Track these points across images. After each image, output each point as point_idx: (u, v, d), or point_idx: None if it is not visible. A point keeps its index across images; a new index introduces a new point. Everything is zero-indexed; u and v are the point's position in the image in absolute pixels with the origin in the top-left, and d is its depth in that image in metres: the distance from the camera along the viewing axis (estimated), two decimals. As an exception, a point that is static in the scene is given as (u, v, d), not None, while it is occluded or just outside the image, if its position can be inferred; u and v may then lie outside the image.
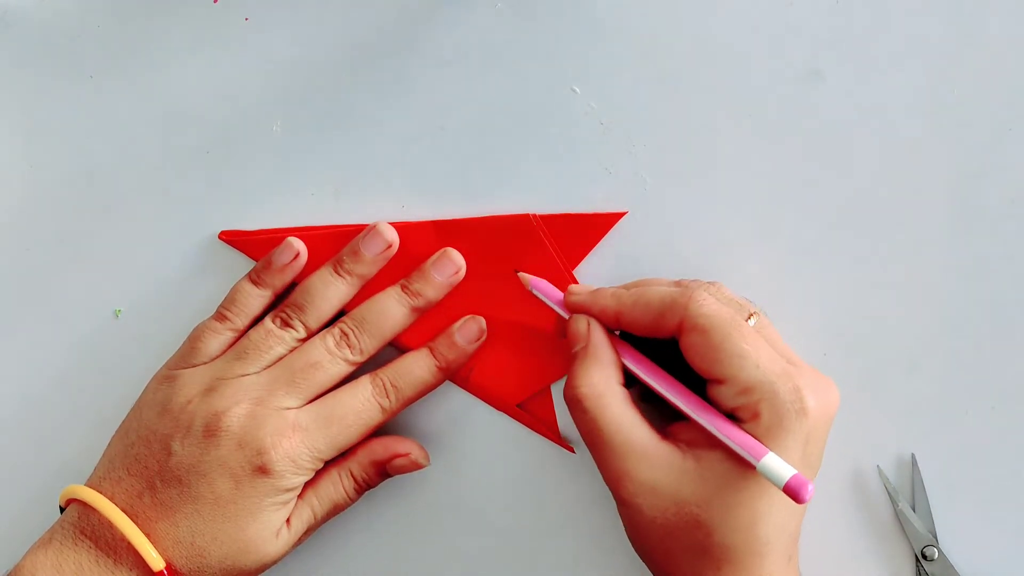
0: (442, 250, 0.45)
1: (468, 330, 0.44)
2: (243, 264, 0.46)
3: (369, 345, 0.43)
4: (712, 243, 0.45)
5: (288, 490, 0.41)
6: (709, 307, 0.37)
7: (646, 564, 0.40)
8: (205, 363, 0.43)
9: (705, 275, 0.45)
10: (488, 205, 0.46)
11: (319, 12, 0.47)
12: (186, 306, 0.46)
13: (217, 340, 0.43)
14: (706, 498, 0.36)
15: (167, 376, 0.43)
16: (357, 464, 0.43)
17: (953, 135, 0.45)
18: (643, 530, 0.38)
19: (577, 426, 0.39)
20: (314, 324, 0.43)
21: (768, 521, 0.36)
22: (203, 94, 0.47)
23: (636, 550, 0.40)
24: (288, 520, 0.42)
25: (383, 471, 0.43)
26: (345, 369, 0.43)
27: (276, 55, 0.47)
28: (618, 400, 0.38)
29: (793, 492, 0.34)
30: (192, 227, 0.47)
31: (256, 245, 0.46)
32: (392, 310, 0.44)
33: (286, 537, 0.41)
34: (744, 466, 0.36)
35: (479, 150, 0.46)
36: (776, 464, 0.35)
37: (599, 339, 0.40)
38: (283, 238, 0.45)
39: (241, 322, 0.44)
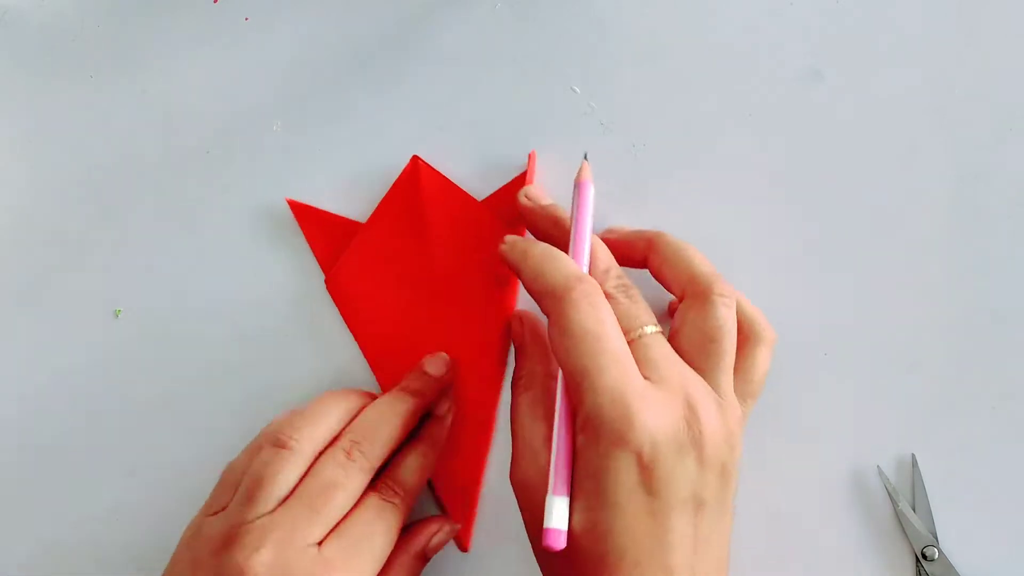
0: (436, 353, 0.44)
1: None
2: (243, 264, 0.46)
3: (377, 452, 0.41)
4: (712, 243, 0.45)
5: None
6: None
7: None
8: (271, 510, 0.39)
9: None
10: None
11: (319, 12, 0.47)
12: (186, 306, 0.46)
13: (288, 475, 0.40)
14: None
15: (197, 525, 0.40)
16: (400, 569, 0.41)
17: (953, 135, 0.45)
18: None
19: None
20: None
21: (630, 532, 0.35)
22: (203, 94, 0.47)
23: None
24: None
25: (424, 557, 0.42)
26: (363, 481, 0.40)
27: (276, 55, 0.47)
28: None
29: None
30: (192, 227, 0.47)
31: (316, 222, 0.46)
32: (387, 413, 0.42)
33: None
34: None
35: (479, 149, 0.46)
36: (553, 506, 0.35)
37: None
38: (346, 223, 0.45)
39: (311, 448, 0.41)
